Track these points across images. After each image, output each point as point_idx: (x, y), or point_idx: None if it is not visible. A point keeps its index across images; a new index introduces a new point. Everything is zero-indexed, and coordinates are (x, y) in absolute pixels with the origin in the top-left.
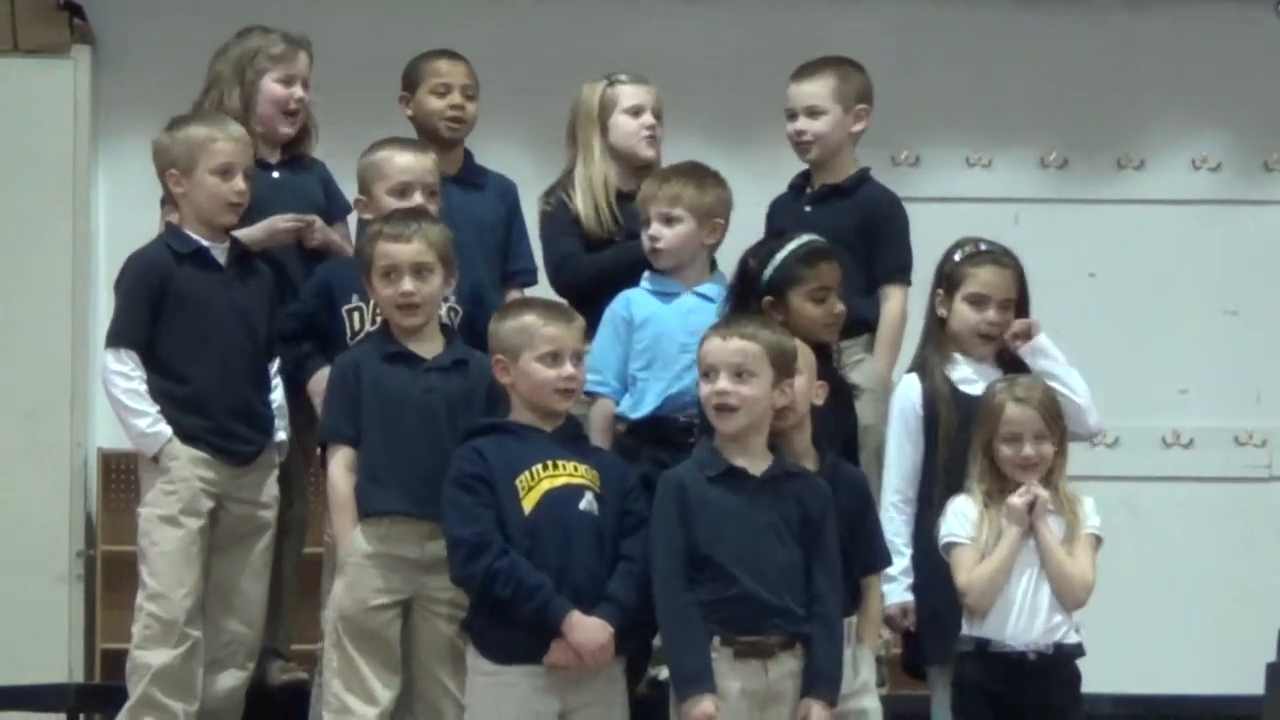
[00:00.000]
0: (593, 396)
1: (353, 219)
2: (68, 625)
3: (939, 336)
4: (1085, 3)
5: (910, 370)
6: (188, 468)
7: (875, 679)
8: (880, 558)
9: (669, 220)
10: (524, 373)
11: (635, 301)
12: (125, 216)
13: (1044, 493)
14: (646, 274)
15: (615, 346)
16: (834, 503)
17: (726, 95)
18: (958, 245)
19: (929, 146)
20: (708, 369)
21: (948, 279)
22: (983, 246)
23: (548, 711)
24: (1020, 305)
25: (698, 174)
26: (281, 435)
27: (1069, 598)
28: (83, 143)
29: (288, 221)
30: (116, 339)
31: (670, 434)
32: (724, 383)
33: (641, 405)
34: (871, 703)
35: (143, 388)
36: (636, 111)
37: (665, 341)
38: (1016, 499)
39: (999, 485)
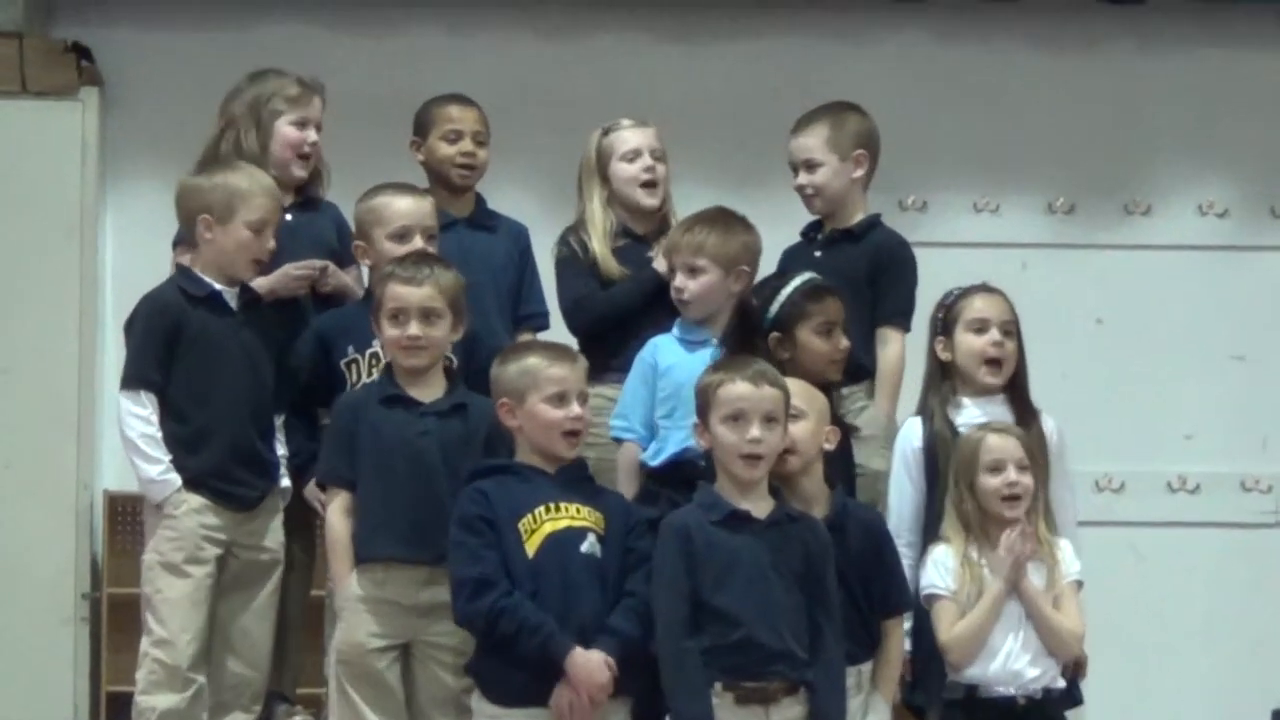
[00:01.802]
0: (619, 442)
1: (366, 271)
2: (73, 667)
3: (941, 380)
4: (1093, 48)
5: (915, 414)
6: (192, 516)
7: None
8: (901, 598)
9: (693, 270)
10: (531, 415)
11: (662, 348)
12: (132, 257)
13: (1027, 547)
14: (678, 320)
15: (641, 392)
16: (845, 546)
17: (735, 140)
18: (945, 295)
19: (936, 191)
20: (737, 414)
21: (944, 320)
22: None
23: None
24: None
25: (723, 221)
26: (285, 481)
27: (1061, 651)
28: (90, 184)
29: (300, 269)
30: (134, 381)
31: (691, 477)
32: (756, 430)
33: (662, 453)
34: None
35: (158, 434)
36: (633, 156)
37: (686, 391)
38: (1003, 550)
39: (978, 533)
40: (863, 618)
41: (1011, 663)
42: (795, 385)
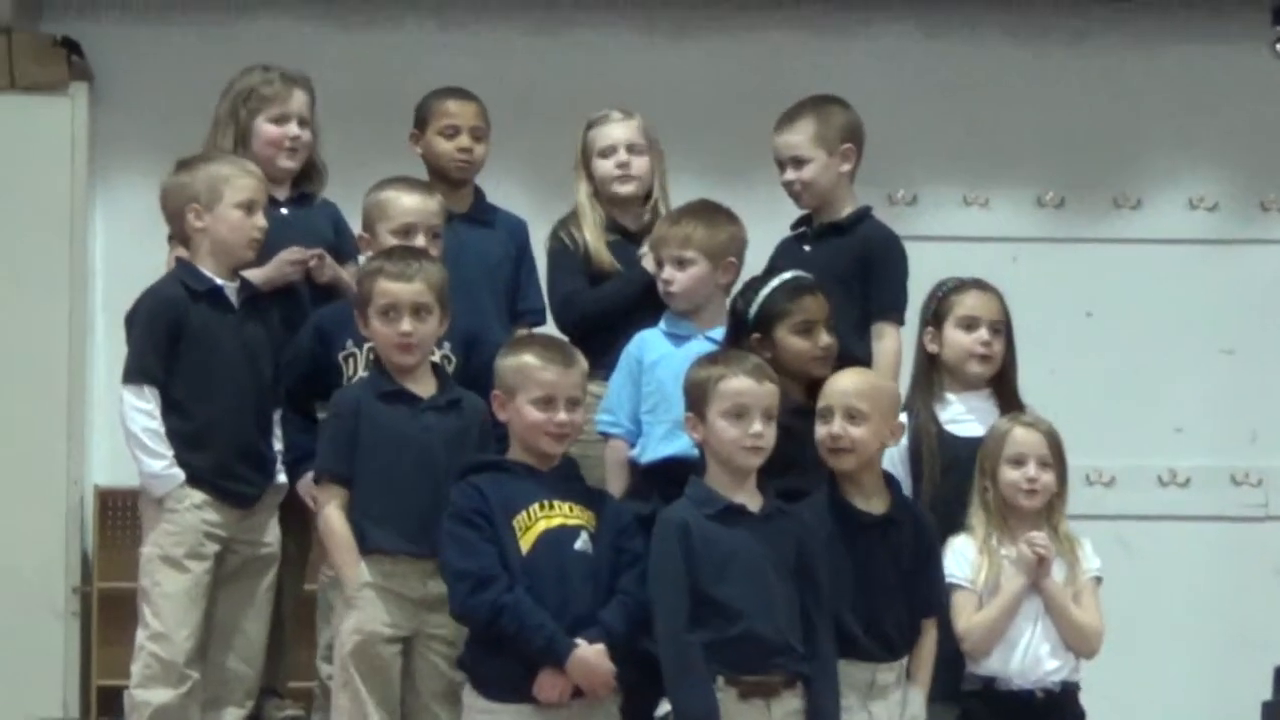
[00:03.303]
0: (606, 437)
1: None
2: (64, 661)
3: (929, 375)
4: (1082, 42)
5: (901, 410)
6: (193, 512)
7: (924, 718)
8: (942, 603)
9: (681, 263)
10: (517, 413)
11: (648, 343)
12: (123, 252)
13: (1050, 550)
14: (665, 314)
15: (628, 387)
16: (899, 541)
17: (724, 134)
18: (939, 284)
19: (926, 185)
20: (739, 410)
21: (935, 313)
22: (965, 279)
23: None
24: (1005, 335)
25: (708, 213)
26: (282, 478)
27: (1083, 648)
28: (80, 179)
29: (295, 254)
30: (137, 375)
31: (680, 474)
32: (758, 425)
33: (647, 450)
34: None
35: (161, 428)
36: (609, 152)
37: (669, 385)
38: (1028, 549)
39: (1002, 523)
40: (908, 613)
41: (1030, 656)
42: (858, 384)
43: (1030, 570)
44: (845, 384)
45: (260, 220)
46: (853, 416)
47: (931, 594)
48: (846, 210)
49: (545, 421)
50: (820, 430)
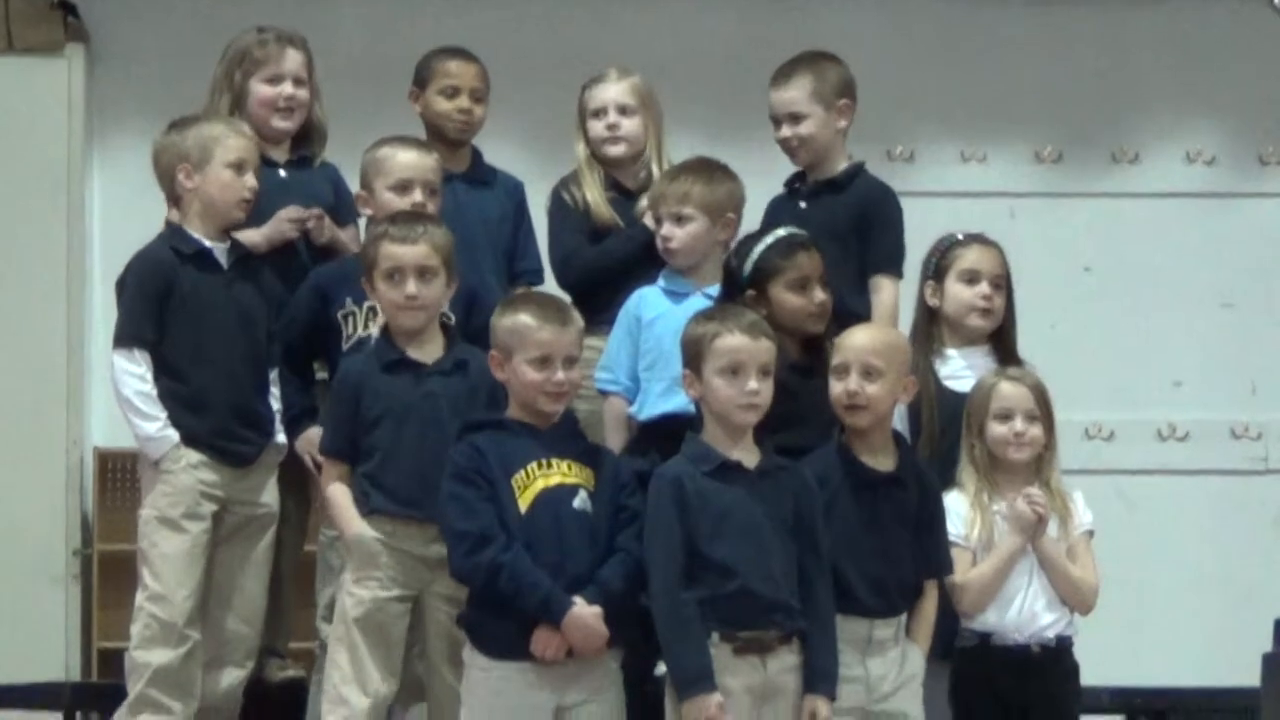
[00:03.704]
0: (605, 394)
1: (364, 223)
2: (64, 624)
3: (928, 330)
4: None
5: None
6: (189, 472)
7: (922, 676)
8: (944, 565)
9: (680, 219)
10: (514, 372)
11: (647, 300)
12: (120, 215)
13: (1046, 508)
14: (663, 271)
15: (626, 344)
16: (906, 499)
17: (722, 92)
18: (941, 239)
19: (923, 141)
20: (735, 367)
21: (937, 267)
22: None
23: (544, 706)
24: (1006, 291)
25: (706, 170)
26: (281, 437)
27: (1080, 605)
28: (77, 141)
29: (293, 213)
30: (128, 339)
31: (681, 431)
32: (754, 382)
33: (645, 407)
34: (914, 707)
35: (153, 390)
36: (599, 113)
37: (667, 342)
38: (1024, 506)
39: (991, 478)
40: (911, 572)
41: (1025, 611)
42: (874, 341)
43: (1027, 528)
44: (862, 340)
45: (251, 180)
46: (869, 373)
47: (935, 555)
48: (840, 166)
49: (543, 381)
50: (836, 387)
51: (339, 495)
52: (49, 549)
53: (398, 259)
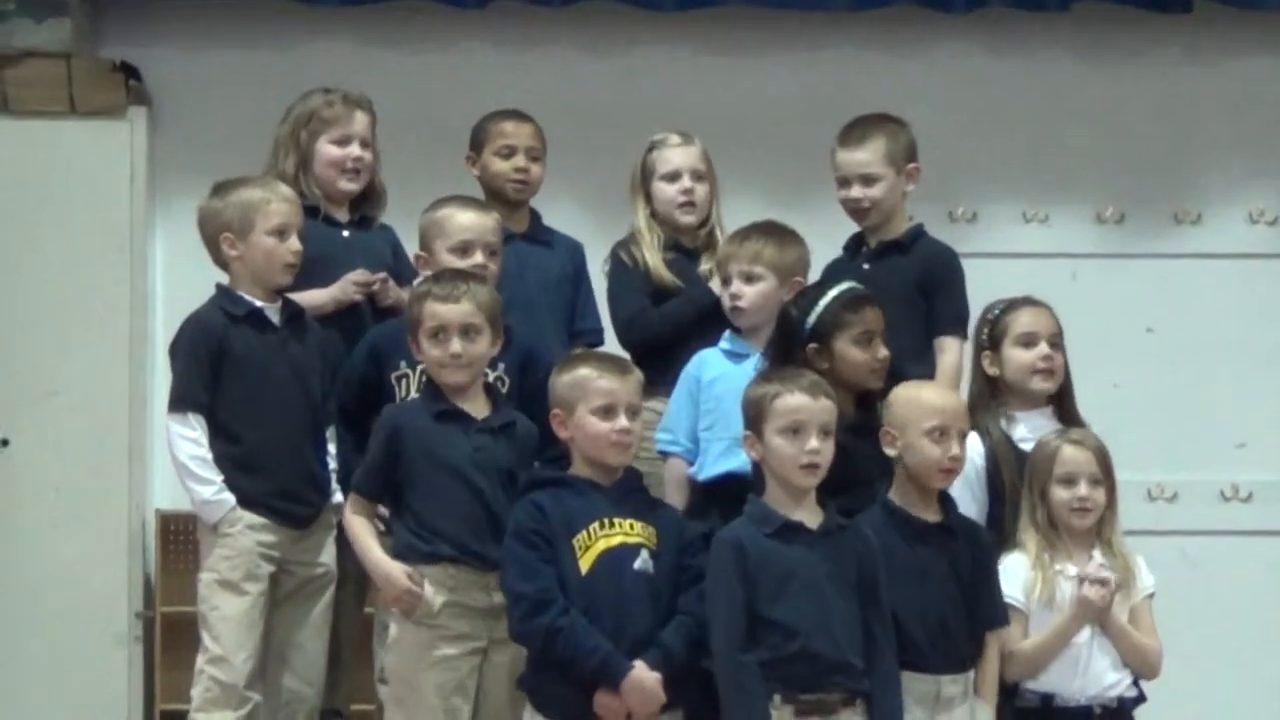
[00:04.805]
0: (665, 456)
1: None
2: (127, 686)
3: (990, 398)
4: (1141, 57)
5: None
6: (248, 534)
7: None
8: (1000, 615)
9: (750, 278)
10: (579, 426)
11: (707, 361)
12: (182, 276)
13: (1112, 586)
14: (726, 333)
15: (687, 406)
16: (957, 550)
17: (780, 152)
18: (988, 308)
19: (986, 202)
20: (796, 427)
21: (990, 335)
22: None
23: None
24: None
25: (777, 232)
26: (339, 496)
27: (1147, 671)
28: (139, 204)
29: (362, 276)
30: (181, 403)
31: (739, 491)
32: (815, 441)
33: (705, 467)
34: None
35: (209, 455)
36: (673, 177)
37: (727, 402)
38: (1092, 593)
39: (1052, 540)
40: (972, 624)
41: (1088, 672)
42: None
43: (1091, 614)
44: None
45: (295, 244)
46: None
47: (991, 607)
48: (902, 228)
49: (608, 431)
50: (934, 450)
51: (358, 528)
52: (111, 611)
53: (441, 318)
